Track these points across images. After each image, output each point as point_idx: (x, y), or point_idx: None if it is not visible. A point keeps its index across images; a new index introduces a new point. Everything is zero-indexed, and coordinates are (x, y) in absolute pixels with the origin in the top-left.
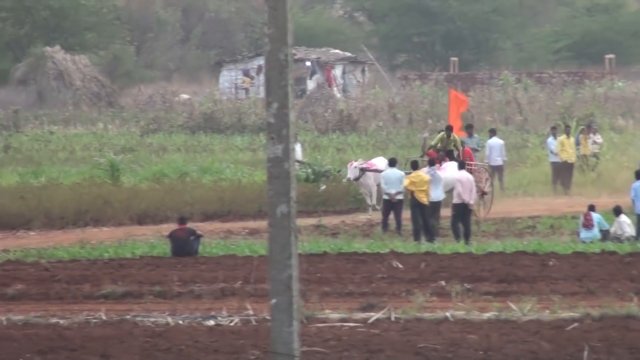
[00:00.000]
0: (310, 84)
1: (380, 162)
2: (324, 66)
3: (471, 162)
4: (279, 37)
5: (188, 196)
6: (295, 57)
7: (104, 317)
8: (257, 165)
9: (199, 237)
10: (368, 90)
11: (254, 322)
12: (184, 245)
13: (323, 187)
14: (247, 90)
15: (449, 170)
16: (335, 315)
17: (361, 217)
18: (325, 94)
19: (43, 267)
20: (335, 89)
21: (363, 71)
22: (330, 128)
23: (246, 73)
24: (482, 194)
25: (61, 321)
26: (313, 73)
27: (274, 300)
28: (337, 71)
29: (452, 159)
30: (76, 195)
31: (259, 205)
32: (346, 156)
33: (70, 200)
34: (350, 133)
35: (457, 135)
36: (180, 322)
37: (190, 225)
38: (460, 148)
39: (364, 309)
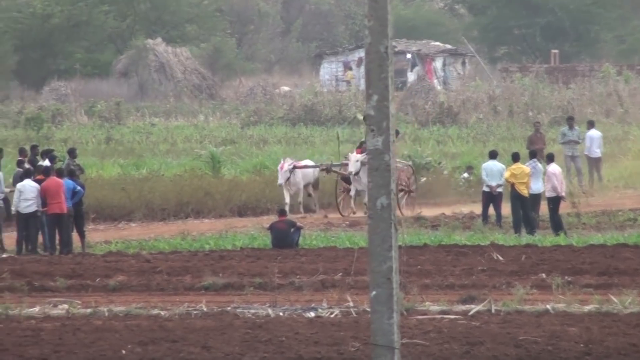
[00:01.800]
0: (411, 76)
1: (307, 163)
2: (424, 58)
3: (396, 160)
4: (379, 30)
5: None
6: (396, 49)
7: (204, 309)
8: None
9: (299, 229)
10: (468, 83)
11: (354, 314)
12: (284, 237)
13: (423, 179)
14: (349, 82)
15: None
16: (435, 308)
17: (462, 209)
18: (426, 86)
19: (144, 259)
20: (435, 81)
21: (463, 63)
22: (431, 120)
23: (346, 65)
24: (407, 192)
25: (162, 312)
26: (413, 65)
27: (374, 292)
28: (438, 63)
29: None
30: (177, 187)
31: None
32: (446, 148)
33: (171, 192)
34: (450, 125)
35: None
36: (281, 313)
37: (290, 217)
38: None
39: (464, 301)
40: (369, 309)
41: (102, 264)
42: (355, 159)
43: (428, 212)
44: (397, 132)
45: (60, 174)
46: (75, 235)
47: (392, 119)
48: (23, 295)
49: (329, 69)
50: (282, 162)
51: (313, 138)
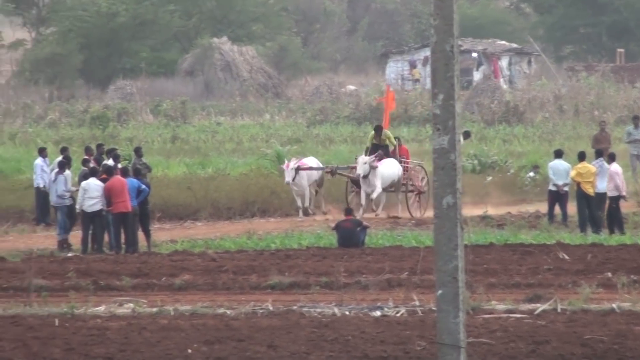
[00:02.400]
0: (477, 75)
1: (311, 161)
2: (490, 57)
3: (407, 160)
4: (445, 29)
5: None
6: (462, 48)
7: (270, 308)
8: (423, 157)
9: (365, 228)
10: (534, 82)
11: (420, 313)
12: (350, 236)
13: (489, 178)
14: (418, 81)
15: (386, 166)
16: (501, 307)
17: (528, 208)
18: (492, 85)
19: (210, 258)
20: (501, 80)
21: (529, 62)
22: (497, 119)
23: (412, 64)
24: (418, 192)
25: (228, 311)
26: (479, 64)
27: (440, 291)
28: (503, 62)
29: (387, 154)
30: (243, 186)
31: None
32: (512, 147)
33: (237, 191)
34: (516, 124)
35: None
36: (347, 312)
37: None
38: (395, 143)
39: (530, 300)
40: (435, 308)
41: (168, 263)
42: (363, 162)
43: (494, 211)
44: (469, 134)
45: (124, 173)
46: (140, 234)
47: (457, 118)
48: (89, 295)
49: (394, 68)
50: (286, 162)
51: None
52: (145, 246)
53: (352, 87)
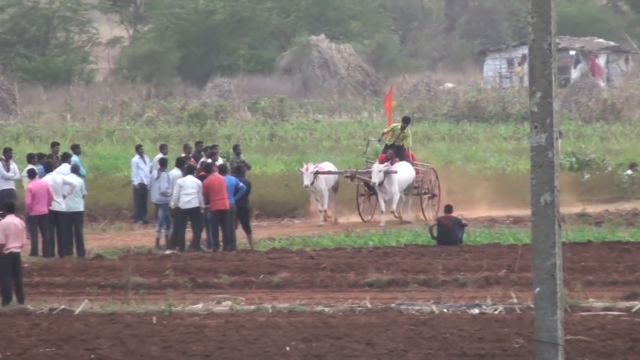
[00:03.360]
0: (574, 73)
1: (327, 166)
2: (587, 55)
3: (415, 163)
4: (543, 26)
5: (452, 184)
6: (559, 46)
7: (368, 305)
8: (521, 154)
9: (463, 226)
10: (632, 80)
11: (518, 311)
12: (449, 233)
13: (587, 175)
14: (521, 79)
15: (401, 170)
16: (599, 304)
17: (625, 206)
18: (589, 83)
19: (308, 255)
20: (599, 78)
21: (627, 60)
22: (594, 117)
23: (510, 62)
24: (432, 195)
25: (326, 309)
26: (577, 62)
27: (537, 289)
28: (601, 60)
29: (400, 156)
30: (341, 183)
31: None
32: (610, 145)
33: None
34: (613, 122)
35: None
36: (445, 310)
37: (455, 213)
38: (410, 145)
39: (628, 298)
40: (532, 306)
41: (265, 261)
42: (377, 170)
43: (592, 209)
44: (560, 133)
45: (222, 170)
46: (239, 232)
47: (555, 115)
48: (186, 292)
49: (492, 66)
50: (305, 165)
51: (477, 135)
52: (244, 244)
53: (449, 85)
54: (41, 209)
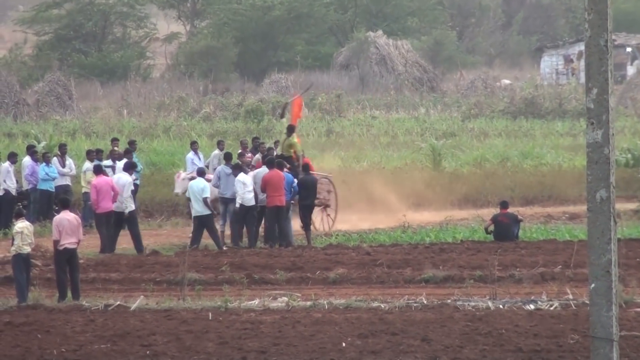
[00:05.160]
0: (630, 70)
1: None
2: None
3: (313, 173)
4: (599, 23)
5: (509, 181)
6: (615, 43)
7: (424, 301)
8: (577, 151)
9: (519, 221)
10: None
11: (573, 307)
12: (506, 230)
13: None
14: (574, 73)
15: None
16: None
17: None
18: None
19: (364, 252)
20: None
21: None
22: None
23: (567, 59)
24: (325, 206)
25: (382, 305)
26: (633, 59)
27: (593, 285)
28: None
29: (292, 165)
30: (398, 179)
31: None
32: None
33: (392, 185)
34: None
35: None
36: (501, 306)
37: (510, 209)
38: (300, 154)
39: None
40: (588, 302)
41: (322, 257)
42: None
43: None
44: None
45: (280, 166)
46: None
47: (611, 112)
48: (242, 288)
49: (549, 62)
50: (179, 171)
51: (533, 131)
52: (302, 240)
53: (506, 81)
54: (106, 206)
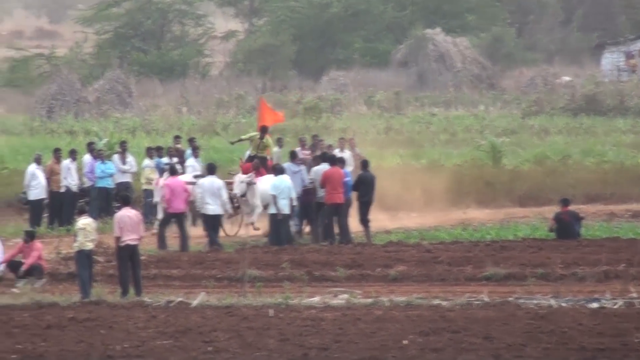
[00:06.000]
0: None
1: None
2: None
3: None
4: None
5: (570, 178)
6: None
7: (486, 299)
8: None
9: (580, 219)
10: None
11: (637, 305)
12: (567, 227)
13: None
14: (633, 70)
15: (264, 182)
16: None
17: None
18: None
19: (425, 249)
20: None
21: None
22: None
23: (628, 55)
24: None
25: (443, 303)
26: None
27: None
28: None
29: (265, 166)
30: (457, 177)
31: None
32: None
33: (452, 182)
34: None
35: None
36: (563, 304)
37: (572, 207)
38: (273, 154)
39: None
40: None
41: (382, 254)
42: (239, 180)
43: None
44: None
45: (342, 164)
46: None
47: None
48: (303, 285)
49: (610, 59)
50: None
51: (595, 128)
52: (361, 237)
53: (567, 78)
54: (178, 206)
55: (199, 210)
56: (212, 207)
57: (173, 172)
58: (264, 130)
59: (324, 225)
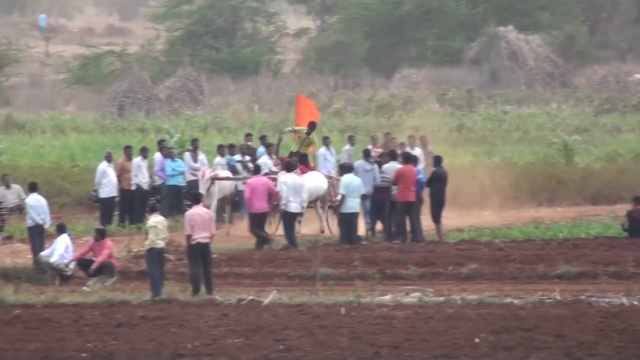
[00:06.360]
0: None
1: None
2: None
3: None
4: None
5: None
6: None
7: (558, 297)
8: None
9: None
10: None
11: None
12: (639, 225)
13: None
14: None
15: (309, 179)
16: None
17: None
18: None
19: (497, 247)
20: None
21: None
22: None
23: None
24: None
25: (515, 301)
26: None
27: None
28: None
29: (306, 164)
30: (530, 175)
31: None
32: None
33: (524, 180)
34: None
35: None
36: (636, 302)
37: None
38: (316, 153)
39: None
40: None
41: (454, 252)
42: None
43: None
44: None
45: (415, 162)
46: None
47: None
48: (375, 283)
49: None
50: (202, 170)
51: None
52: (433, 235)
53: (639, 76)
54: (261, 206)
55: (282, 208)
56: (294, 205)
57: (257, 170)
58: (312, 126)
59: (396, 224)
